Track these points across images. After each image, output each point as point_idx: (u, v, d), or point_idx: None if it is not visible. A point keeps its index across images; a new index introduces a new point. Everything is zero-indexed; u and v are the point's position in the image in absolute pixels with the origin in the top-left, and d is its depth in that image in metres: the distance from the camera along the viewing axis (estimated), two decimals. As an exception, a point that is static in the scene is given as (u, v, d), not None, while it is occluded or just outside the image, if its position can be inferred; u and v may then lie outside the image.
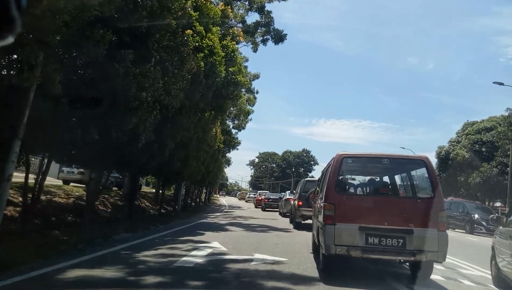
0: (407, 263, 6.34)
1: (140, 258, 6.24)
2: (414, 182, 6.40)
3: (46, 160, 8.79)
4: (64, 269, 5.02)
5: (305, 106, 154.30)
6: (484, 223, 20.84)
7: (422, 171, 5.99)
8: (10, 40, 0.81)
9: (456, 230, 21.11)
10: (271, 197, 30.33)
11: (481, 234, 20.65)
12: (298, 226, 14.31)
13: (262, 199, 31.10)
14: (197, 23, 11.71)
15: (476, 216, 21.24)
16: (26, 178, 8.29)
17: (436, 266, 6.07)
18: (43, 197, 12.20)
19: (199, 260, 6.28)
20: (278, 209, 25.49)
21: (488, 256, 6.26)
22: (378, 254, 5.24)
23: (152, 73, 8.29)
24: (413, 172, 6.41)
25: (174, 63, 9.39)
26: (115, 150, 9.30)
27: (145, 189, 29.22)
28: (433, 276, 5.86)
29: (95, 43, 6.30)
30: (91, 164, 10.77)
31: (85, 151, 9.07)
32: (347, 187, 6.47)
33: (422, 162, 5.81)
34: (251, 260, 6.52)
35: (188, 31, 9.85)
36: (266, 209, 28.13)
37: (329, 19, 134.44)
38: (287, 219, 18.12)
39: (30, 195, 8.27)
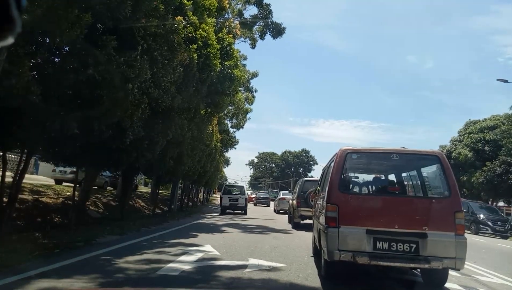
0: (419, 270, 5.72)
1: (120, 265, 5.57)
2: (425, 180, 5.75)
3: (24, 157, 8.17)
4: (28, 280, 4.35)
5: (304, 106, 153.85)
6: (490, 223, 20.33)
7: (435, 168, 5.36)
8: (10, 40, 0.79)
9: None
10: (261, 196, 42.34)
11: (487, 234, 20.09)
12: (297, 226, 14.15)
13: (254, 197, 42.93)
14: (191, 13, 11.05)
15: (482, 216, 20.73)
16: (3, 176, 7.69)
17: (451, 272, 5.46)
18: (29, 197, 11.60)
19: (187, 267, 5.63)
20: (265, 205, 37.41)
21: (505, 260, 5.62)
22: (388, 261, 4.63)
23: (138, 62, 7.64)
24: (424, 169, 5.75)
25: (163, 52, 8.73)
26: (101, 147, 8.67)
27: (142, 189, 28.67)
28: (448, 284, 5.29)
29: (69, 25, 5.64)
30: (76, 161, 10.14)
31: (67, 146, 8.44)
32: (352, 185, 5.83)
33: (436, 157, 5.19)
34: (245, 267, 5.88)
35: (179, 17, 9.17)
36: (257, 204, 38.25)
37: (328, 18, 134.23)
38: (286, 220, 17.55)
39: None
